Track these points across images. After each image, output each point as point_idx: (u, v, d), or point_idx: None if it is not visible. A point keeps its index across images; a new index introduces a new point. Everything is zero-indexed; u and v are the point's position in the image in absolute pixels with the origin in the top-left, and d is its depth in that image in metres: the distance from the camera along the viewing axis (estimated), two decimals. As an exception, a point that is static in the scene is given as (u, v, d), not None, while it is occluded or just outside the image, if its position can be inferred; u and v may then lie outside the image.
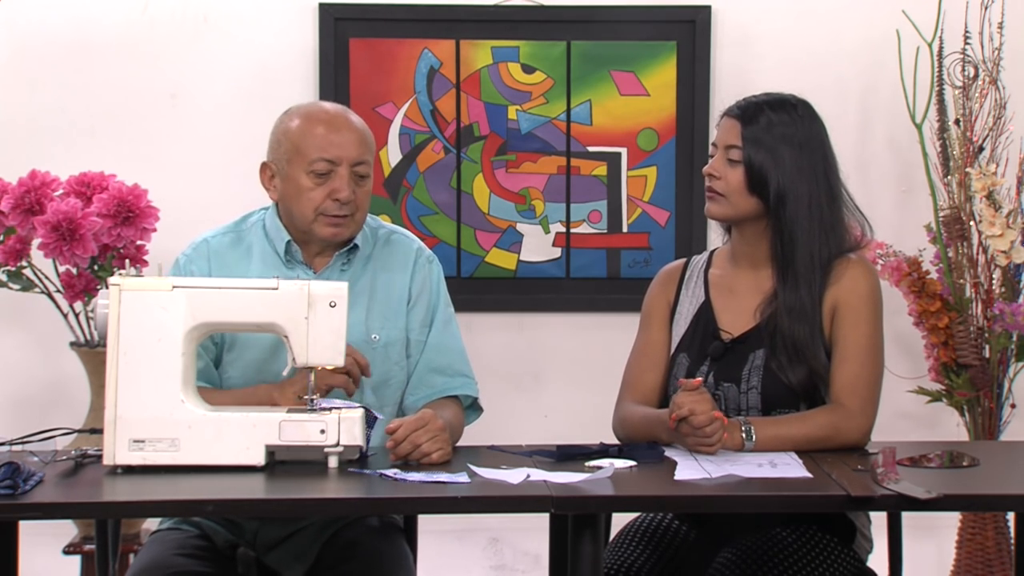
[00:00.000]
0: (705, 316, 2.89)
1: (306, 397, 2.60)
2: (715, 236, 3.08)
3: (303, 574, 2.75)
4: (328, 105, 2.92)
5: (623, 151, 4.29)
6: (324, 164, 2.81)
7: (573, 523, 2.41)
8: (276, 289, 2.60)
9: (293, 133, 2.84)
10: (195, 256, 2.90)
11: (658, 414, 2.76)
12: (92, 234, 3.62)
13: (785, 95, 2.88)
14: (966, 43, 3.98)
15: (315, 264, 2.88)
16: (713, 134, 2.94)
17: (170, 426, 2.51)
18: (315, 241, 2.86)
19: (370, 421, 2.64)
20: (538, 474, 2.49)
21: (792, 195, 2.79)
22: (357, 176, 2.83)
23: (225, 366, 2.84)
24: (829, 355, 2.79)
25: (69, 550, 3.75)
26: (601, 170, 4.29)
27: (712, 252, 3.00)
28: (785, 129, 2.81)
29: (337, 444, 2.54)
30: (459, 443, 2.82)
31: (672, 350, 2.91)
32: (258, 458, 2.52)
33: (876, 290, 2.83)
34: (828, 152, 2.86)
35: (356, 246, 2.88)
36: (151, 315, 2.55)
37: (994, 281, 3.94)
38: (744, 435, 2.66)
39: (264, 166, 2.88)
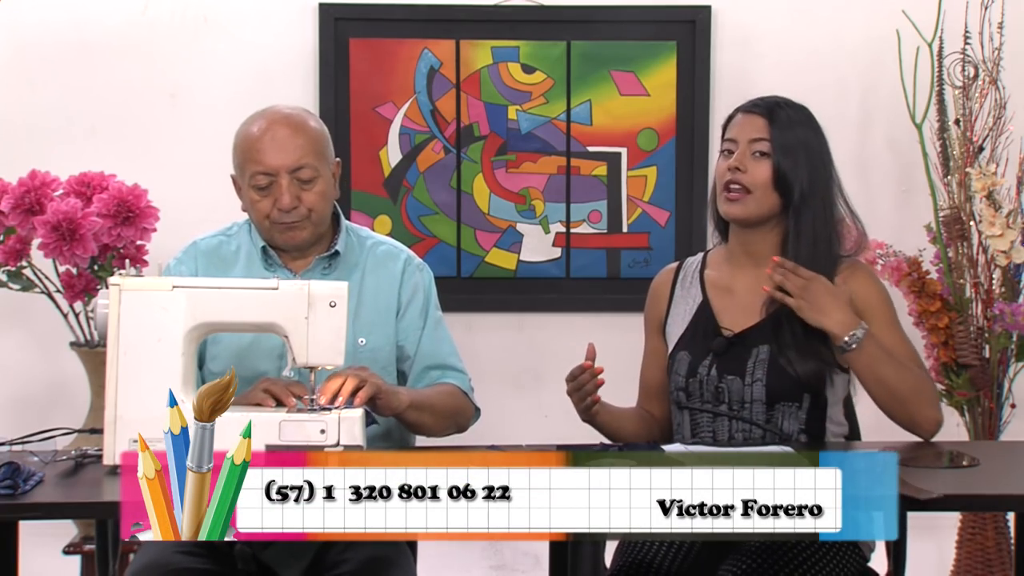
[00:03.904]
0: (705, 315, 2.90)
1: (307, 398, 2.60)
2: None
3: (301, 573, 2.75)
4: (271, 112, 2.87)
5: (623, 151, 4.29)
6: (263, 177, 2.82)
7: (573, 523, 2.41)
8: (276, 289, 2.60)
9: (237, 147, 2.87)
10: (184, 258, 2.94)
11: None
12: (92, 234, 3.62)
13: (786, 99, 2.90)
14: (966, 43, 3.98)
15: (294, 267, 2.90)
16: (713, 134, 2.94)
17: (170, 426, 2.51)
18: (281, 247, 2.88)
19: (369, 422, 2.64)
20: (538, 474, 2.49)
21: (811, 193, 2.81)
22: (300, 181, 2.82)
23: (208, 361, 2.86)
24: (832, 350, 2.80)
25: (69, 550, 3.75)
26: (601, 170, 4.29)
27: (706, 253, 3.01)
28: (801, 130, 2.83)
29: (337, 444, 2.54)
30: (459, 443, 2.83)
31: (670, 350, 2.92)
32: (258, 458, 2.52)
33: (887, 292, 2.86)
34: (830, 154, 2.89)
35: (337, 252, 2.89)
36: (151, 315, 2.55)
37: (994, 281, 3.94)
38: (859, 329, 2.70)
39: (232, 178, 2.91)
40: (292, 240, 2.86)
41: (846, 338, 2.71)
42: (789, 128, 2.82)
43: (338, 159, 2.93)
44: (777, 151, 2.81)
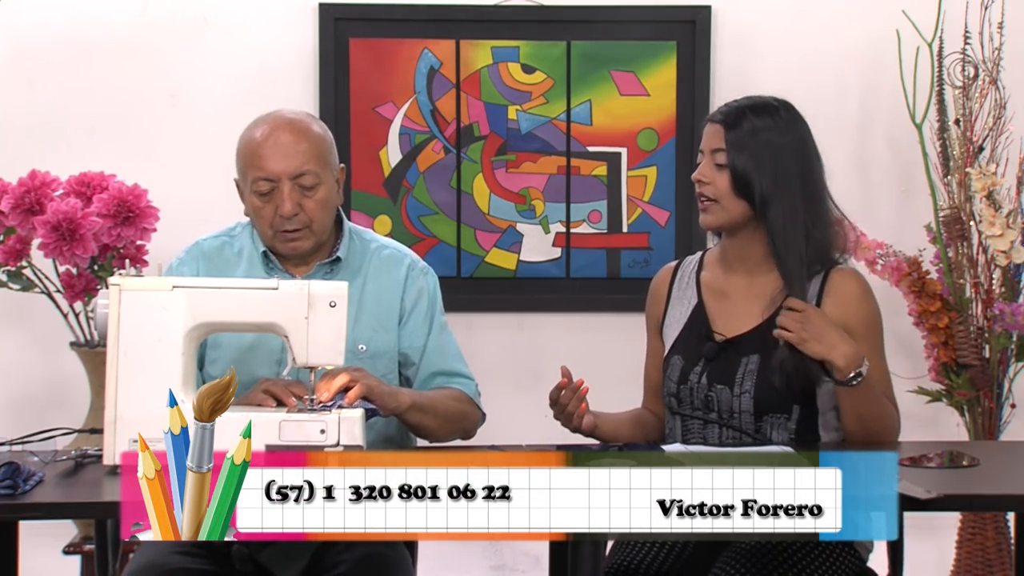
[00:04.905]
0: (699, 318, 2.90)
1: (307, 398, 2.61)
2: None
3: (298, 574, 2.75)
4: (274, 117, 2.86)
5: (623, 151, 4.29)
6: (264, 183, 2.81)
7: (573, 523, 2.40)
8: (276, 289, 2.60)
9: (240, 152, 2.86)
10: (187, 259, 2.93)
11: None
12: (92, 234, 3.62)
13: (767, 98, 2.88)
14: (966, 43, 3.98)
15: (296, 272, 2.89)
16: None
17: (170, 426, 2.51)
18: (283, 254, 2.88)
19: (371, 415, 2.65)
20: (538, 474, 2.48)
21: (776, 197, 2.79)
22: (302, 188, 2.81)
23: (207, 365, 2.86)
24: None
25: (69, 550, 3.75)
26: (601, 170, 4.29)
27: (704, 253, 3.01)
28: (768, 134, 2.81)
29: (337, 444, 2.54)
30: (459, 443, 2.83)
31: (666, 352, 2.92)
32: (258, 458, 2.52)
33: (878, 311, 2.84)
34: (811, 154, 2.85)
35: (339, 258, 2.88)
36: (151, 315, 2.55)
37: (994, 281, 3.94)
38: (863, 366, 2.70)
39: (235, 182, 2.90)
40: (296, 249, 2.85)
41: (851, 374, 2.70)
42: (750, 133, 2.80)
43: (342, 165, 2.92)
44: (732, 160, 2.80)
